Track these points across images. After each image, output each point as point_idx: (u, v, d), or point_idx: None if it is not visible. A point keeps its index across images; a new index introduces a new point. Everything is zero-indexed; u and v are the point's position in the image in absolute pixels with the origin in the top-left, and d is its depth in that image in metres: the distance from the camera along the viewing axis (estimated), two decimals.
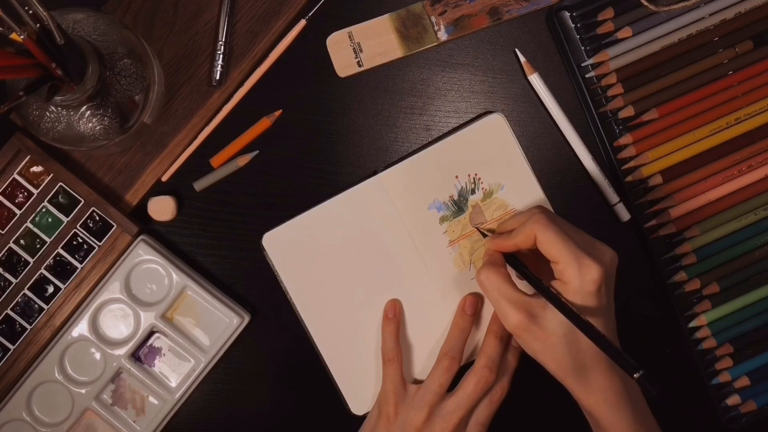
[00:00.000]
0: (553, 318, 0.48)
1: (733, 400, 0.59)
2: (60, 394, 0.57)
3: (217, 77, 0.57)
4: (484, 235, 0.57)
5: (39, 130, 0.51)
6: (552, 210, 0.56)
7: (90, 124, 0.51)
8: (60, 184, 0.56)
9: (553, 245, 0.48)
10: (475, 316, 0.57)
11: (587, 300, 0.48)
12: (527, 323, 0.49)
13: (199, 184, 0.59)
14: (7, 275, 0.57)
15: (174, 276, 0.57)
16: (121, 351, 0.57)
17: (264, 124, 0.58)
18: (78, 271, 0.57)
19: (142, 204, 0.58)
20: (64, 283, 0.57)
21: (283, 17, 0.58)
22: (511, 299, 0.49)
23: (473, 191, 0.57)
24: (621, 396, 0.49)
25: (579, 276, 0.47)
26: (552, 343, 0.48)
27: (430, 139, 0.60)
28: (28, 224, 0.56)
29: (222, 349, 0.58)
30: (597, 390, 0.49)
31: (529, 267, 0.51)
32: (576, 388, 0.50)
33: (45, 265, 0.57)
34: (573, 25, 0.58)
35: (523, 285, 0.52)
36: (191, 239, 0.59)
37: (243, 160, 0.58)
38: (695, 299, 0.59)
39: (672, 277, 0.59)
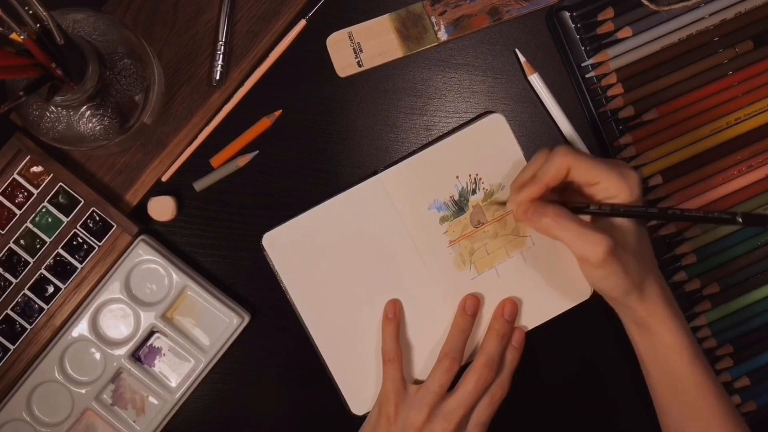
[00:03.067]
0: (624, 233, 0.48)
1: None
2: (60, 394, 0.57)
3: (217, 77, 0.57)
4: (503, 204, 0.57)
5: (39, 130, 0.51)
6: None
7: (90, 124, 0.51)
8: (60, 184, 0.56)
9: (590, 168, 0.48)
10: (476, 316, 0.57)
11: (638, 204, 0.48)
12: (614, 245, 0.47)
13: (199, 184, 0.59)
14: (7, 275, 0.57)
15: (174, 276, 0.57)
16: (121, 351, 0.57)
17: (264, 124, 0.58)
18: (78, 271, 0.57)
19: (142, 204, 0.58)
20: (64, 283, 0.57)
21: (283, 17, 0.58)
22: (590, 226, 0.47)
23: (474, 191, 0.57)
24: (674, 304, 0.50)
25: (627, 184, 0.48)
26: (628, 259, 0.48)
27: (430, 139, 0.60)
28: (28, 224, 0.56)
29: (222, 349, 0.58)
30: (654, 296, 0.49)
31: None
32: (637, 301, 0.49)
33: (45, 265, 0.57)
34: (573, 25, 0.58)
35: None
36: (191, 239, 0.59)
37: (243, 160, 0.58)
38: (695, 299, 0.59)
39: (672, 277, 0.59)
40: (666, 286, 0.51)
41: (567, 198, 0.52)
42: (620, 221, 0.49)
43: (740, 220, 0.42)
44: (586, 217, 0.50)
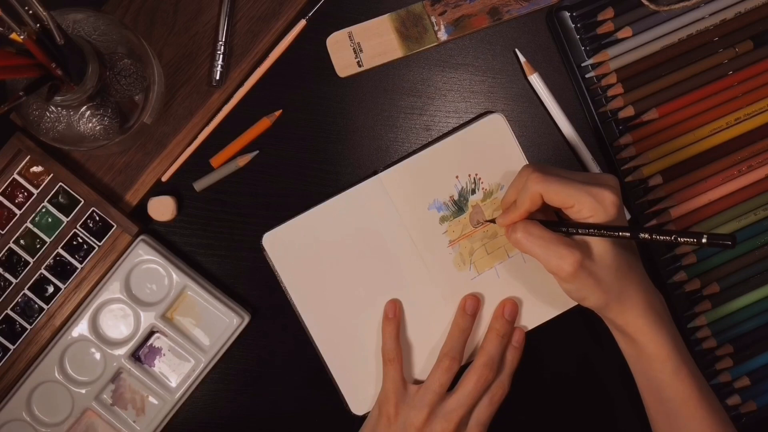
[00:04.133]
0: (599, 249, 0.49)
1: (734, 400, 0.59)
2: (60, 394, 0.57)
3: (217, 77, 0.57)
4: (491, 222, 0.57)
5: (39, 130, 0.51)
6: (540, 164, 0.56)
7: (90, 124, 0.51)
8: (60, 184, 0.56)
9: (560, 193, 0.48)
10: (476, 316, 0.57)
11: (614, 223, 0.49)
12: (583, 259, 0.48)
13: (199, 184, 0.59)
14: (7, 275, 0.57)
15: (174, 276, 0.57)
16: (121, 351, 0.57)
17: (264, 124, 0.58)
18: (78, 271, 0.57)
19: (142, 204, 0.58)
20: (64, 283, 0.57)
21: (283, 17, 0.58)
22: (560, 241, 0.48)
23: (473, 191, 0.57)
24: (659, 313, 0.50)
25: (598, 205, 0.48)
26: (603, 273, 0.49)
27: (430, 139, 0.60)
28: (28, 224, 0.56)
29: (222, 349, 0.58)
30: (634, 307, 0.50)
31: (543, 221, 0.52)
32: (617, 312, 0.50)
33: (45, 265, 0.57)
34: (573, 25, 0.58)
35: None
36: (191, 239, 0.59)
37: (243, 160, 0.58)
38: (695, 299, 0.59)
39: (672, 277, 0.59)
40: (653, 296, 0.51)
41: (549, 216, 0.53)
42: (597, 240, 0.49)
43: (705, 240, 0.44)
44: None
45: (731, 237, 0.43)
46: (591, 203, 0.48)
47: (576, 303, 0.57)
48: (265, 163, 0.59)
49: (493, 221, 0.57)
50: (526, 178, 0.50)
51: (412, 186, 0.57)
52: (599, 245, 0.49)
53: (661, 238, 0.46)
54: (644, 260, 0.60)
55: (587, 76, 0.59)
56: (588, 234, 0.48)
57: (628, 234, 0.47)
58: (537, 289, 0.58)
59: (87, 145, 0.52)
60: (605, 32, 0.58)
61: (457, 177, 0.57)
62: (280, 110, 0.59)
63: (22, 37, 0.42)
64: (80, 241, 0.57)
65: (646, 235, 0.47)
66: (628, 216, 0.58)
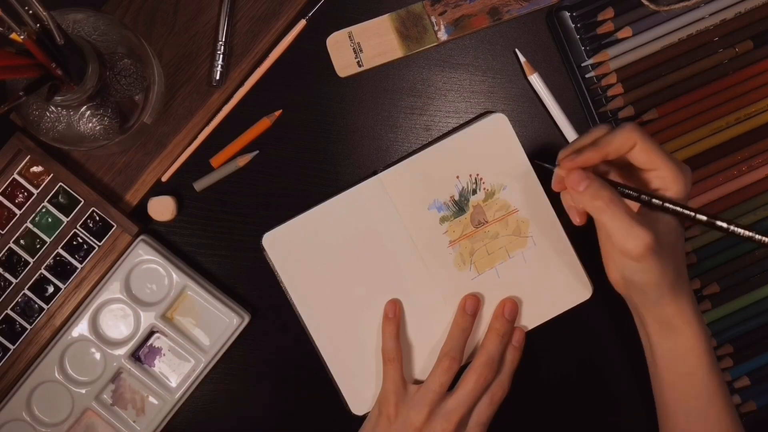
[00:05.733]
0: (667, 229, 0.47)
1: (734, 400, 0.59)
2: (60, 394, 0.57)
3: (217, 77, 0.57)
4: (551, 167, 0.50)
5: (39, 130, 0.51)
6: None
7: (90, 124, 0.51)
8: (60, 184, 0.56)
9: (654, 151, 0.46)
10: (476, 316, 0.57)
11: (685, 201, 0.47)
12: (656, 241, 0.45)
13: (199, 184, 0.59)
14: (7, 275, 0.57)
15: (174, 276, 0.57)
16: (121, 351, 0.57)
17: (264, 124, 0.58)
18: (78, 271, 0.57)
19: (142, 204, 0.58)
20: (64, 283, 0.57)
21: (283, 17, 0.58)
22: (633, 216, 0.45)
23: (474, 191, 0.57)
24: (695, 302, 0.50)
25: (682, 179, 0.47)
26: (667, 255, 0.46)
27: (430, 139, 0.60)
28: (28, 224, 0.56)
29: (222, 349, 0.58)
30: (685, 295, 0.48)
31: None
32: (668, 300, 0.48)
33: (45, 265, 0.57)
34: (573, 25, 0.58)
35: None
36: (191, 239, 0.59)
37: (243, 160, 0.58)
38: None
39: None
40: (691, 288, 0.50)
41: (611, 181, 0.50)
42: (666, 217, 0.47)
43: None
44: (633, 205, 0.48)
45: None
46: (676, 172, 0.46)
47: (580, 301, 0.58)
48: (265, 163, 0.59)
49: (551, 167, 0.49)
50: (618, 128, 0.47)
51: (412, 186, 0.57)
52: (666, 224, 0.47)
53: (740, 231, 0.45)
54: None
55: (587, 76, 0.59)
56: (662, 209, 0.46)
57: (705, 218, 0.45)
58: (537, 289, 0.58)
59: (87, 145, 0.52)
60: (605, 32, 0.58)
61: (457, 177, 0.57)
62: (280, 110, 0.59)
63: (22, 37, 0.42)
64: (80, 241, 0.57)
65: (723, 224, 0.45)
66: None
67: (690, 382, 0.50)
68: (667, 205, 0.46)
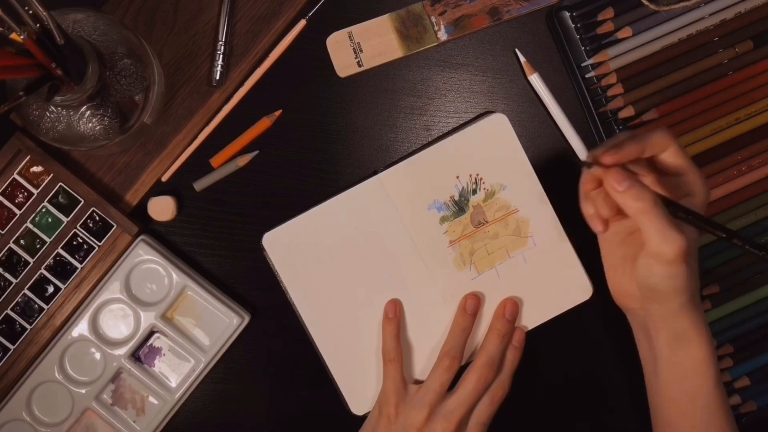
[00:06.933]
0: (692, 236, 0.47)
1: (734, 400, 0.59)
2: (60, 394, 0.57)
3: (217, 77, 0.57)
4: (590, 165, 0.47)
5: (39, 130, 0.51)
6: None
7: (90, 124, 0.51)
8: (60, 184, 0.56)
9: (684, 157, 0.47)
10: (476, 315, 0.57)
11: (703, 212, 0.48)
12: (688, 248, 0.45)
13: (199, 184, 0.59)
14: (7, 275, 0.57)
15: (174, 276, 0.57)
16: (121, 351, 0.57)
17: (264, 124, 0.58)
18: (78, 271, 0.57)
19: (142, 204, 0.58)
20: (64, 283, 0.57)
21: (283, 17, 0.58)
22: (673, 223, 0.45)
23: (474, 191, 0.57)
24: (704, 316, 0.50)
25: (706, 188, 0.47)
26: (693, 266, 0.47)
27: (430, 139, 0.60)
28: (28, 224, 0.56)
29: (222, 349, 0.58)
30: (699, 308, 0.49)
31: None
32: (689, 310, 0.48)
33: (45, 265, 0.57)
34: (573, 25, 0.58)
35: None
36: (191, 239, 0.59)
37: (243, 160, 0.58)
38: None
39: None
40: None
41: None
42: (689, 229, 0.47)
43: None
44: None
45: None
46: (701, 181, 0.47)
47: (580, 301, 0.58)
48: (265, 163, 0.59)
49: (585, 164, 0.47)
50: (655, 129, 0.47)
51: (412, 186, 0.57)
52: (690, 231, 0.47)
53: (753, 250, 0.46)
54: None
55: (587, 76, 0.59)
56: (687, 220, 0.46)
57: (724, 235, 0.46)
58: (537, 289, 0.58)
59: (87, 145, 0.52)
60: (605, 32, 0.58)
61: (457, 177, 0.57)
62: (280, 110, 0.59)
63: (22, 37, 0.42)
64: (80, 241, 0.57)
65: (739, 242, 0.46)
66: None
67: (694, 395, 0.49)
68: (686, 215, 0.46)
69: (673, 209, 0.46)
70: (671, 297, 0.47)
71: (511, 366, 0.56)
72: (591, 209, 0.49)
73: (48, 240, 0.57)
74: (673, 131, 0.48)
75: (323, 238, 0.57)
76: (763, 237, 0.59)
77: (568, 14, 0.58)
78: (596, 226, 0.49)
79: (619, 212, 0.47)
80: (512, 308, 0.57)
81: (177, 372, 0.58)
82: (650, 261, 0.46)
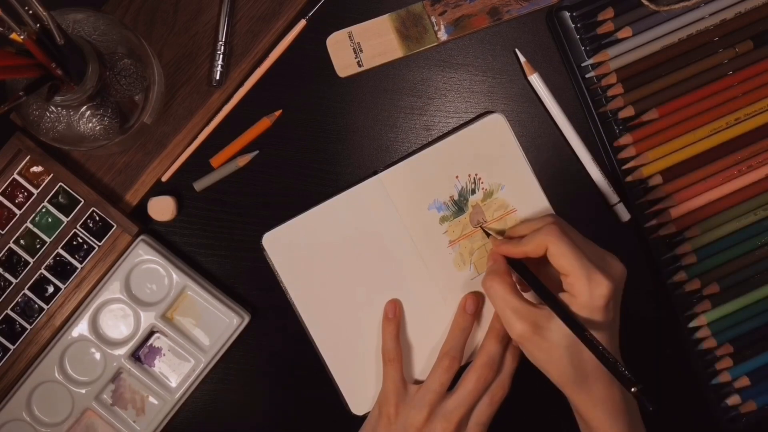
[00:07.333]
0: (558, 329, 0.48)
1: (733, 400, 0.59)
2: (60, 394, 0.57)
3: (217, 77, 0.57)
4: (488, 235, 0.56)
5: (39, 130, 0.51)
6: (563, 220, 0.54)
7: (90, 124, 0.51)
8: (60, 184, 0.56)
9: (564, 258, 0.48)
10: (476, 315, 0.57)
11: (594, 314, 0.48)
12: (531, 333, 0.49)
13: (199, 184, 0.59)
14: (7, 275, 0.57)
15: (174, 276, 0.57)
16: (121, 351, 0.57)
17: (264, 124, 0.58)
18: (78, 271, 0.57)
19: (142, 204, 0.58)
20: (64, 283, 0.57)
21: (283, 17, 0.58)
22: (516, 309, 0.49)
23: (473, 191, 0.57)
24: (619, 407, 0.50)
25: (588, 291, 0.48)
26: (555, 354, 0.49)
27: (430, 139, 0.60)
28: (28, 224, 0.56)
29: (222, 349, 0.58)
30: (597, 400, 0.49)
31: (534, 273, 0.51)
32: (576, 398, 0.50)
33: (45, 265, 0.57)
34: (573, 25, 0.58)
35: (529, 294, 0.53)
36: (191, 239, 0.59)
37: (243, 160, 0.58)
38: (695, 299, 0.59)
39: (672, 277, 0.59)
40: (618, 390, 0.50)
41: (543, 269, 0.53)
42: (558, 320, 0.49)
43: (633, 391, 0.44)
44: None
45: (654, 403, 0.43)
46: (583, 285, 0.48)
47: None
48: (265, 163, 0.59)
49: (489, 234, 0.56)
50: (544, 224, 0.50)
51: (412, 186, 0.57)
52: (559, 327, 0.48)
53: (605, 358, 0.46)
54: (644, 260, 0.60)
55: (587, 76, 0.59)
56: (555, 312, 0.48)
57: (580, 337, 0.46)
58: None
59: (87, 145, 0.52)
60: (605, 32, 0.58)
61: (457, 177, 0.57)
62: (280, 110, 0.59)
63: (22, 37, 0.42)
64: (80, 241, 0.57)
65: (589, 346, 0.46)
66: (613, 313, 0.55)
67: None
68: (552, 306, 0.48)
69: (525, 276, 0.51)
70: (550, 377, 0.50)
71: (511, 366, 0.56)
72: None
73: (48, 240, 0.57)
74: (561, 229, 0.49)
75: (323, 238, 0.57)
76: (763, 237, 0.59)
77: (568, 14, 0.58)
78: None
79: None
80: None
81: (177, 372, 0.58)
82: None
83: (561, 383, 0.50)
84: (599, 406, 0.49)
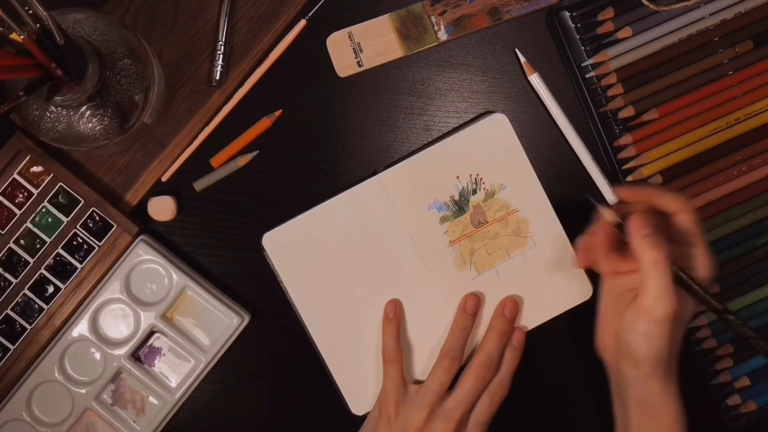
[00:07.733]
0: (686, 309, 0.48)
1: (734, 400, 0.59)
2: (60, 394, 0.57)
3: (217, 77, 0.57)
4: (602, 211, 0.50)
5: (39, 130, 0.51)
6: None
7: (90, 124, 0.51)
8: (60, 184, 0.56)
9: (698, 227, 0.48)
10: (476, 315, 0.57)
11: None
12: (678, 310, 0.46)
13: (199, 184, 0.59)
14: (7, 275, 0.57)
15: (174, 276, 0.57)
16: (121, 351, 0.57)
17: (264, 124, 0.58)
18: (78, 271, 0.57)
19: (142, 204, 0.58)
20: (64, 283, 0.57)
21: (283, 17, 0.58)
22: (673, 282, 0.46)
23: (474, 191, 0.57)
24: (678, 385, 0.50)
25: (709, 267, 0.48)
26: (677, 331, 0.48)
27: (430, 139, 0.60)
28: (28, 224, 0.56)
29: (222, 349, 0.58)
30: (672, 376, 0.49)
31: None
32: (662, 377, 0.48)
33: (45, 265, 0.57)
34: (573, 25, 0.58)
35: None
36: (191, 239, 0.59)
37: (243, 160, 0.58)
38: None
39: None
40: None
41: None
42: (687, 300, 0.48)
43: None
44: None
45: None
46: (707, 259, 0.48)
47: (580, 301, 0.58)
48: (265, 163, 0.59)
49: (598, 203, 0.50)
50: (674, 192, 0.49)
51: (412, 186, 0.57)
52: (687, 302, 0.48)
53: (748, 331, 0.47)
54: None
55: (587, 76, 0.59)
56: (690, 290, 0.47)
57: (720, 307, 0.47)
58: (537, 289, 0.58)
59: (87, 145, 0.52)
60: (605, 32, 0.58)
61: (457, 177, 0.57)
62: (280, 110, 0.59)
63: (22, 37, 0.42)
64: (80, 241, 0.57)
65: (732, 317, 0.47)
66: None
67: None
68: (689, 282, 0.47)
69: (681, 276, 0.47)
70: (645, 360, 0.47)
71: (510, 366, 0.56)
72: (587, 245, 0.51)
73: (48, 240, 0.57)
74: (690, 200, 0.48)
75: (323, 238, 0.57)
76: (763, 237, 0.59)
77: (568, 14, 0.58)
78: (579, 260, 0.52)
79: (616, 270, 0.50)
80: (512, 307, 0.57)
81: (177, 372, 0.58)
82: (636, 315, 0.46)
83: (658, 364, 0.47)
84: (674, 389, 0.49)
